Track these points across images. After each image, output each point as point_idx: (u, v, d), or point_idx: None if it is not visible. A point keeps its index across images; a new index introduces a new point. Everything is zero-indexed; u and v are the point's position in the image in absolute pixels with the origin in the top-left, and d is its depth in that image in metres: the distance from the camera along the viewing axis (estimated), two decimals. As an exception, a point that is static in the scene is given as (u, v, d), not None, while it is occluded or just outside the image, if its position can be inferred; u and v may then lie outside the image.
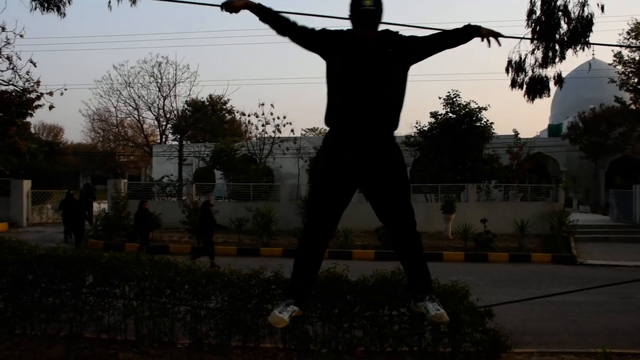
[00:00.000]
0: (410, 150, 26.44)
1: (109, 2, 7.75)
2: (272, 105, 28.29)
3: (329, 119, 3.19)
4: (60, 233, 18.58)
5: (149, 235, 15.57)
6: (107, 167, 54.46)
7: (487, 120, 24.18)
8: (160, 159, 34.81)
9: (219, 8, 3.21)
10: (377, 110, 3.04)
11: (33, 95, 24.79)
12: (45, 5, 7.70)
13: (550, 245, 16.70)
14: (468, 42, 3.27)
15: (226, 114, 48.79)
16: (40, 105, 26.40)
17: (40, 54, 67.03)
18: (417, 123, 25.42)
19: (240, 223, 17.39)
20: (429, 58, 3.32)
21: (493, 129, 24.41)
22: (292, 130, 29.24)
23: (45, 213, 24.54)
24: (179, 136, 35.18)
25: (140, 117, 37.70)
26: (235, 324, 6.11)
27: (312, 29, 3.21)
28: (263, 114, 28.44)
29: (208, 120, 41.75)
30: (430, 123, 24.86)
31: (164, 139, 40.74)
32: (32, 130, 41.99)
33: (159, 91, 34.06)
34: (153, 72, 33.70)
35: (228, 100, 46.23)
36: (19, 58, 21.56)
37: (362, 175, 3.09)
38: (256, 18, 3.19)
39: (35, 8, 7.73)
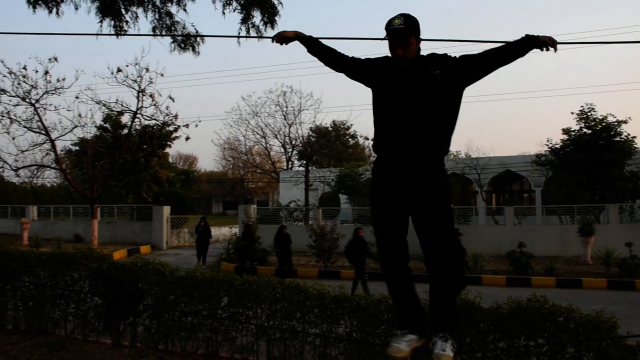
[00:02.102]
0: (542, 170, 25.09)
1: (238, 39, 8.30)
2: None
3: (374, 146, 3.19)
4: (194, 256, 19.82)
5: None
6: (236, 193, 57.29)
7: (629, 134, 22.44)
8: (287, 185, 36.04)
9: (271, 40, 3.47)
10: (418, 134, 2.98)
11: (172, 128, 26.95)
12: (183, 46, 8.40)
13: None
14: (526, 55, 3.06)
15: (350, 139, 49.56)
16: (177, 137, 28.82)
17: (177, 89, 72.57)
18: (548, 141, 24.17)
19: (366, 247, 17.33)
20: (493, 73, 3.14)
21: (636, 144, 22.57)
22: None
23: (182, 237, 26.23)
24: (304, 162, 36.30)
25: (268, 145, 39.66)
26: (364, 349, 6.06)
27: (356, 58, 3.30)
28: (386, 137, 28.53)
29: (332, 145, 42.69)
30: (562, 140, 23.53)
31: (290, 165, 42.22)
32: (170, 160, 45.23)
33: (285, 119, 35.60)
34: (278, 102, 35.38)
35: (351, 125, 46.95)
36: (160, 95, 23.66)
37: (408, 197, 3.02)
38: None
39: (174, 49, 8.48)
